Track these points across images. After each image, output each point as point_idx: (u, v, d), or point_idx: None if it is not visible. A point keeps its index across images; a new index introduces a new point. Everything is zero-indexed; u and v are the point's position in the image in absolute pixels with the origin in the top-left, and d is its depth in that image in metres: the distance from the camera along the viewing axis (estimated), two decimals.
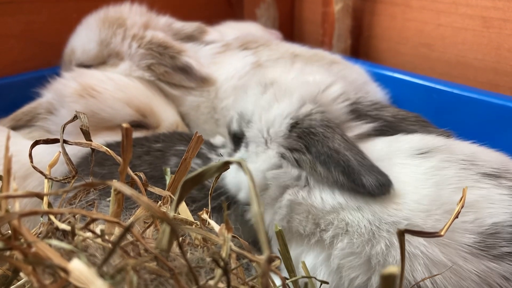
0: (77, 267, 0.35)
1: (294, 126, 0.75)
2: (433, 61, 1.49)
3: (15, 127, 1.15)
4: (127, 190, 0.38)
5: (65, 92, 1.11)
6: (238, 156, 0.84)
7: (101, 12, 1.31)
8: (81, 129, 0.63)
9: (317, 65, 1.13)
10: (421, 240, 0.62)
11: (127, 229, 0.36)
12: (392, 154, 0.73)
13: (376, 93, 1.26)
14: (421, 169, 0.69)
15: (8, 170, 0.47)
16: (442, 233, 0.56)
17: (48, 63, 1.49)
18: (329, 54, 1.29)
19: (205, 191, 0.96)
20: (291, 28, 2.02)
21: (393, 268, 0.32)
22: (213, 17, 1.62)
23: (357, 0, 1.68)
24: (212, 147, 1.06)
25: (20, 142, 1.08)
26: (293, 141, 0.74)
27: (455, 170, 0.68)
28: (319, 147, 0.70)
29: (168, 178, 0.87)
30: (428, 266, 0.62)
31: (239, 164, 0.42)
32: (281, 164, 0.77)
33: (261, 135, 0.79)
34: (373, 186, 0.65)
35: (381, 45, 1.67)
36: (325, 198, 0.71)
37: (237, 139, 0.87)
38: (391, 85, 1.32)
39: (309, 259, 0.73)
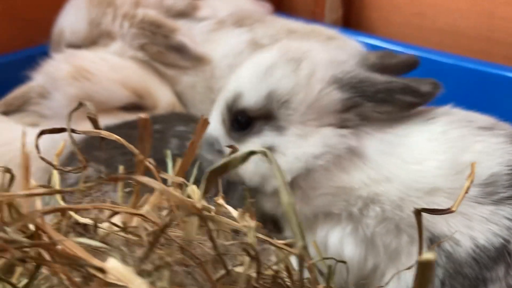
0: (115, 266, 0.35)
1: (341, 86, 0.74)
2: (425, 30, 1.49)
3: (6, 113, 1.12)
4: (156, 185, 0.38)
5: (58, 75, 1.08)
6: (268, 140, 0.76)
7: None
8: (88, 117, 0.61)
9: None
10: (442, 198, 0.69)
11: (164, 229, 0.36)
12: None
13: None
14: (434, 135, 0.74)
15: (26, 167, 0.46)
16: (454, 209, 0.59)
17: (34, 42, 1.43)
18: (326, 30, 1.26)
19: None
20: None
21: (430, 255, 0.33)
22: None
23: None
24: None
25: (14, 128, 1.05)
26: (347, 100, 0.74)
27: (459, 129, 0.74)
28: (371, 88, 0.73)
29: (169, 161, 0.86)
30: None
31: (265, 154, 0.42)
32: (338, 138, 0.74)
33: (311, 113, 0.75)
34: (431, 89, 0.72)
35: (372, 15, 1.65)
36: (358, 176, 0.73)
37: (246, 121, 0.79)
38: None
39: (335, 234, 0.76)
